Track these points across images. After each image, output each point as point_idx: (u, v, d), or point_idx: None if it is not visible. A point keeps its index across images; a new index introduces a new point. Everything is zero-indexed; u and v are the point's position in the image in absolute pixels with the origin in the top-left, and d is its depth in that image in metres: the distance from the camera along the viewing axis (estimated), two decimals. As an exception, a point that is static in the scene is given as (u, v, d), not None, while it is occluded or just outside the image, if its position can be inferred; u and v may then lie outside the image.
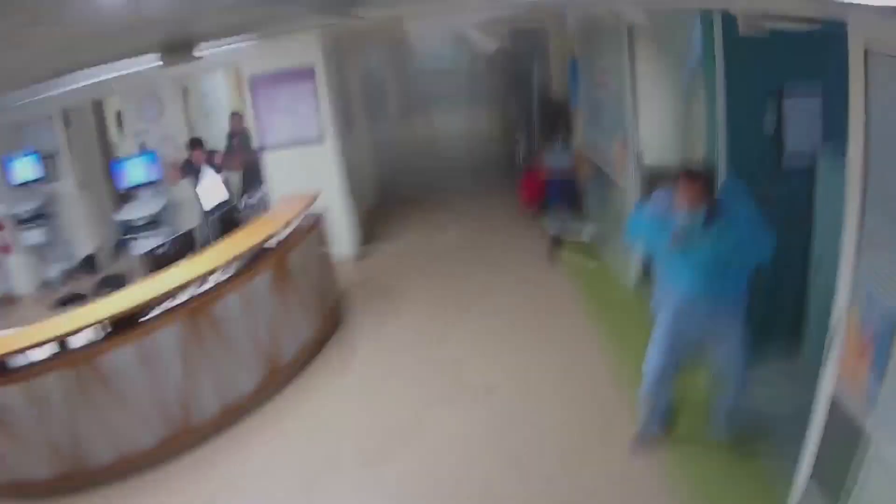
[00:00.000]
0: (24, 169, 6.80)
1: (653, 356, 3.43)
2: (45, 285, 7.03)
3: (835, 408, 2.57)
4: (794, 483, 2.90)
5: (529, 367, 4.68)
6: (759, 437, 3.50)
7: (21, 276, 6.91)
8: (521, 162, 8.02)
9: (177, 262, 4.55)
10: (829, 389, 2.57)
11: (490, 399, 4.39)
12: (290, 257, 4.91)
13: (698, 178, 3.12)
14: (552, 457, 3.76)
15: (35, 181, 6.88)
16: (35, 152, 6.85)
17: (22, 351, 3.71)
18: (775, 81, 3.53)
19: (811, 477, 2.77)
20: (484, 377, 4.63)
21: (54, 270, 7.01)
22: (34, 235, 6.85)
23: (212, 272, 4.33)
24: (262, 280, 4.61)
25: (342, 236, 6.75)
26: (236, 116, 7.52)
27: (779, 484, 3.06)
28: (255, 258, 4.69)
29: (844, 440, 2.56)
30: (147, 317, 4.08)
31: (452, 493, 3.62)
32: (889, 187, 2.15)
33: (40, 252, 7.08)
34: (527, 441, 3.93)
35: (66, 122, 7.13)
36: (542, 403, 4.28)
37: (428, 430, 4.16)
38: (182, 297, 4.24)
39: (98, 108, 7.97)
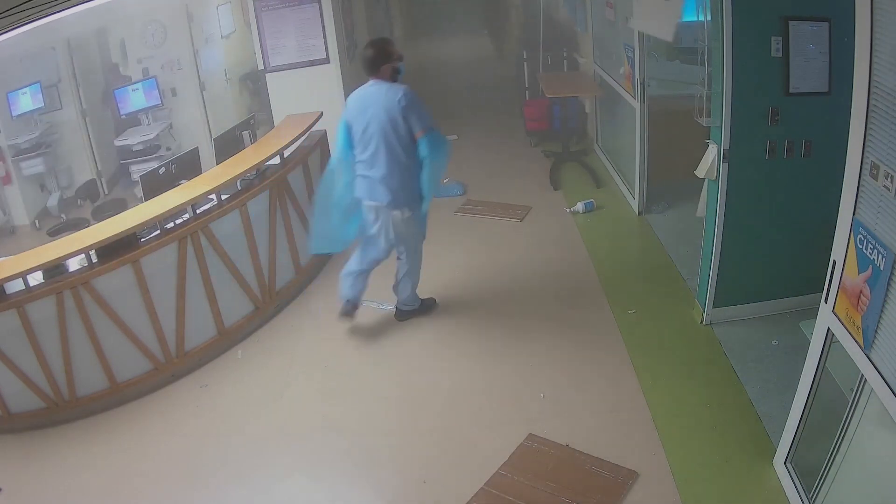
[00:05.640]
0: (25, 100, 6.76)
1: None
2: (45, 214, 7.06)
3: (830, 345, 2.54)
4: (786, 424, 2.92)
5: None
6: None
7: (20, 205, 6.91)
8: (527, 85, 7.90)
9: (178, 183, 4.54)
10: (825, 327, 2.53)
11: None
12: (292, 177, 4.87)
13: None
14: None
15: (35, 111, 6.84)
16: (36, 83, 6.80)
17: (16, 276, 3.64)
18: (782, 5, 3.40)
19: (804, 416, 2.79)
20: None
21: (54, 199, 7.03)
22: (34, 165, 6.84)
23: (212, 192, 4.31)
24: (262, 199, 4.58)
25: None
26: None
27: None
28: (257, 177, 4.67)
29: (838, 380, 2.56)
30: (146, 238, 4.08)
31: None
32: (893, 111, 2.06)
33: (40, 181, 7.09)
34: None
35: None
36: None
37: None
38: (182, 218, 4.23)
39: (102, 36, 7.87)
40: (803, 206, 3.74)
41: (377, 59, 3.84)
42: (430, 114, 3.89)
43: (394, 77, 3.89)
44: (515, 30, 10.73)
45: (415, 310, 4.50)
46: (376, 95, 3.84)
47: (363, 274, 4.33)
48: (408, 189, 3.94)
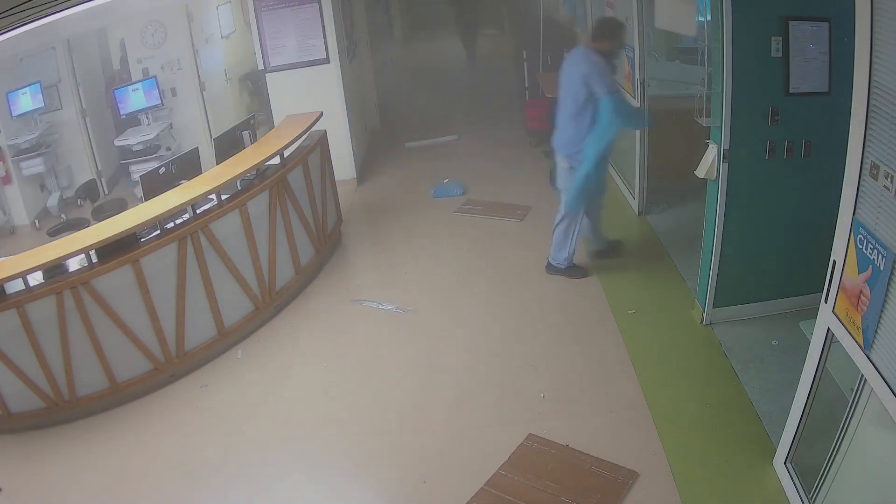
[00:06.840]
0: (25, 100, 6.76)
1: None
2: (45, 214, 7.06)
3: (830, 345, 2.54)
4: (786, 424, 2.92)
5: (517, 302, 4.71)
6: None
7: (20, 205, 6.91)
8: (527, 85, 7.89)
9: (178, 183, 4.54)
10: (825, 327, 2.53)
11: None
12: (292, 177, 4.86)
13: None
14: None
15: (35, 111, 6.85)
16: (36, 83, 6.80)
17: (16, 276, 3.62)
18: (782, 5, 3.40)
19: (804, 416, 2.79)
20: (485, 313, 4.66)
21: (54, 199, 7.03)
22: (34, 165, 6.84)
23: (212, 192, 4.30)
24: (262, 200, 4.58)
25: (344, 159, 6.73)
26: None
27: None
28: (257, 177, 4.67)
29: (838, 380, 2.55)
30: (146, 238, 4.08)
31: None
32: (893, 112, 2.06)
33: (40, 181, 7.09)
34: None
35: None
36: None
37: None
38: (182, 218, 4.23)
39: (101, 35, 7.87)
40: (803, 206, 3.74)
41: (600, 32, 4.38)
42: (612, 80, 4.29)
43: (608, 53, 4.31)
44: (516, 29, 10.71)
45: (563, 270, 4.80)
46: (577, 58, 4.37)
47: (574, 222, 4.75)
48: (576, 144, 4.37)
